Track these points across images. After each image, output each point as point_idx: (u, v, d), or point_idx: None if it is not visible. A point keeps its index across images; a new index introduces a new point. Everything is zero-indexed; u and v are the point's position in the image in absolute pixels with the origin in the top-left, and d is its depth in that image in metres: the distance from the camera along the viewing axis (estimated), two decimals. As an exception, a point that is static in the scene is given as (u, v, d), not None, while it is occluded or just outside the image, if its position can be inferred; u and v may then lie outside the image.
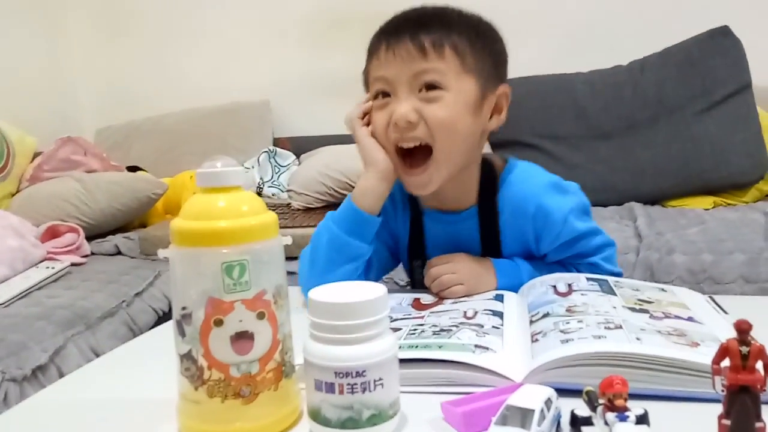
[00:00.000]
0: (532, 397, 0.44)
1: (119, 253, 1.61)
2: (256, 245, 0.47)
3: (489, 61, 0.72)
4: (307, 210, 1.82)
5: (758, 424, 0.38)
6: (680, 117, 1.79)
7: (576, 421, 0.45)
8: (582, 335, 0.52)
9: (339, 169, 1.83)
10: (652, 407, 0.44)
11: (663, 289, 0.66)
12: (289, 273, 0.52)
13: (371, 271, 0.78)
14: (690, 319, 0.57)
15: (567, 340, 0.52)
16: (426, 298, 0.70)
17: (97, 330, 1.19)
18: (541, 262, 0.77)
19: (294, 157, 2.12)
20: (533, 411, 0.42)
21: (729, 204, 1.72)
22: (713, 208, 1.69)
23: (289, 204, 1.87)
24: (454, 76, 0.69)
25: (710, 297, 0.68)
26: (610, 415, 0.42)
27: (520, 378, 0.51)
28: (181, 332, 0.47)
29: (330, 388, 0.44)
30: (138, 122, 2.36)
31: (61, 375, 1.05)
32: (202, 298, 0.46)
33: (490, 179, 0.76)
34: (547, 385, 0.46)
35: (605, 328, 0.53)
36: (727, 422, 0.39)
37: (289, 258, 0.53)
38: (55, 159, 1.89)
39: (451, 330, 0.57)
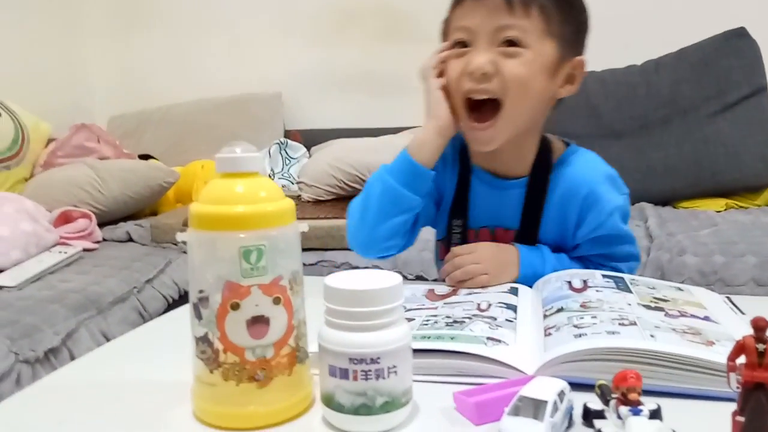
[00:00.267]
0: (546, 388, 0.44)
1: (130, 240, 1.63)
2: (272, 231, 0.47)
3: (572, 29, 0.73)
4: (317, 202, 1.83)
5: (773, 422, 0.38)
6: (694, 118, 1.78)
7: (588, 414, 0.45)
8: (596, 330, 0.52)
9: (349, 162, 1.83)
10: (665, 404, 0.44)
11: (680, 288, 0.66)
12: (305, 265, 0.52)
13: (417, 225, 0.79)
14: (706, 318, 0.57)
15: (580, 335, 0.52)
16: (440, 288, 0.70)
17: (108, 315, 1.20)
18: (566, 257, 0.77)
19: (305, 149, 2.12)
20: (546, 402, 0.43)
21: (741, 206, 1.71)
22: (725, 210, 1.68)
23: (299, 196, 1.88)
24: (537, 36, 0.70)
25: (727, 297, 0.67)
26: (624, 409, 0.42)
27: (532, 371, 0.51)
28: (198, 315, 0.48)
29: (344, 374, 0.45)
30: (150, 111, 2.37)
31: (73, 358, 1.06)
32: (220, 281, 0.46)
33: (545, 155, 0.77)
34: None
35: (619, 324, 0.53)
36: (741, 419, 0.39)
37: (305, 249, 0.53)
38: (69, 145, 1.90)
39: (464, 322, 0.57)
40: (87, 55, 2.53)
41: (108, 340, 1.12)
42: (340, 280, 0.47)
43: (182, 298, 1.41)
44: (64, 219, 1.57)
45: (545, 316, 0.59)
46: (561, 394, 0.44)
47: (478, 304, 0.62)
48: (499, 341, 0.54)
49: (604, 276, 0.67)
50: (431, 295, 0.68)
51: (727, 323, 0.57)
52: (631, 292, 0.62)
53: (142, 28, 2.50)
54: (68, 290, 1.22)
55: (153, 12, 2.48)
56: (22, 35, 2.22)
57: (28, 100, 2.01)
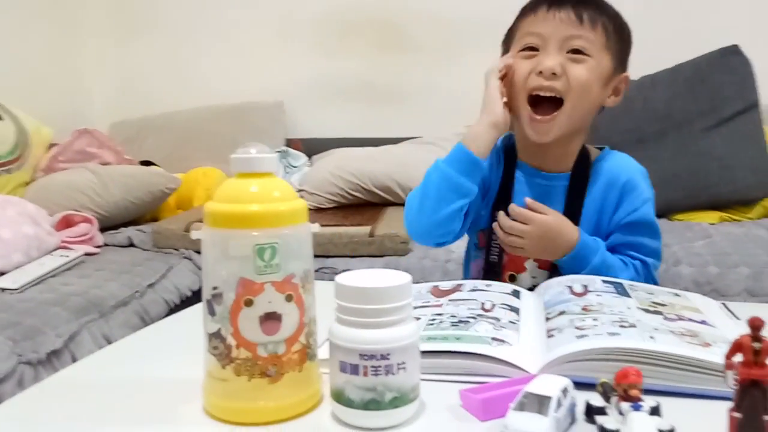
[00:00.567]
0: (550, 385, 0.46)
1: (132, 245, 1.63)
2: (285, 230, 0.49)
3: (623, 47, 0.85)
4: (319, 210, 1.84)
5: (767, 418, 0.40)
6: (688, 132, 1.81)
7: (591, 411, 0.46)
8: (597, 332, 0.54)
9: (350, 171, 1.85)
10: (664, 402, 0.45)
11: (677, 294, 0.68)
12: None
13: (468, 215, 0.85)
14: (703, 322, 0.59)
15: (582, 336, 0.53)
16: (444, 284, 0.72)
17: (110, 318, 1.21)
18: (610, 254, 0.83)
19: (306, 158, 2.14)
20: (550, 398, 0.44)
21: (735, 219, 1.74)
22: (719, 222, 1.71)
23: (300, 204, 1.88)
24: (599, 48, 0.81)
25: (723, 303, 0.69)
26: (625, 405, 0.43)
27: (535, 370, 0.52)
28: (211, 311, 0.49)
29: (354, 369, 0.46)
30: (152, 118, 2.38)
31: (75, 360, 1.07)
32: (234, 278, 0.48)
33: (586, 154, 0.86)
34: (562, 377, 0.48)
35: (620, 326, 0.55)
36: (737, 415, 0.40)
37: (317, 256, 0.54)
38: (71, 150, 1.91)
39: (468, 322, 0.58)
40: (89, 60, 2.54)
41: (110, 343, 1.12)
42: (351, 278, 0.49)
43: (184, 303, 1.41)
44: (66, 223, 1.57)
45: (547, 319, 0.61)
46: (564, 391, 0.46)
47: (482, 304, 0.63)
48: (504, 341, 0.55)
49: (604, 281, 0.68)
50: (436, 291, 0.69)
51: (723, 327, 0.58)
52: (630, 296, 0.64)
53: (144, 34, 2.52)
54: (70, 293, 1.23)
55: (156, 19, 2.50)
56: (24, 40, 2.24)
57: (29, 104, 2.02)
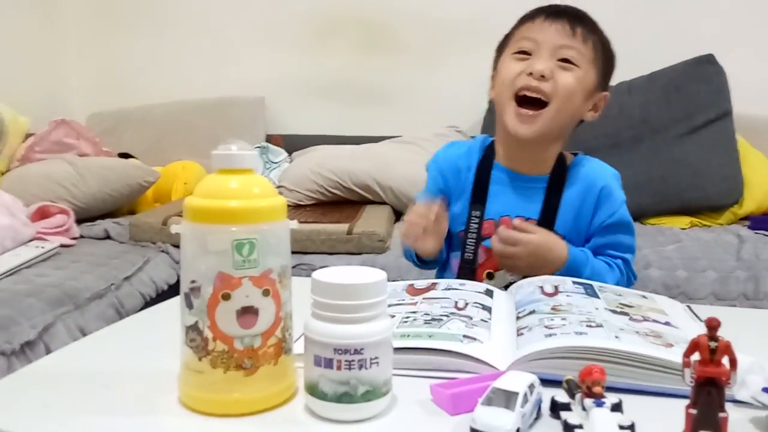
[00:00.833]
0: (517, 381, 0.47)
1: (108, 237, 1.62)
2: (264, 226, 0.50)
3: (607, 69, 0.90)
4: (297, 207, 1.84)
5: (722, 414, 0.42)
6: (662, 139, 1.85)
7: (555, 407, 0.48)
8: (565, 331, 0.56)
9: (330, 168, 1.85)
10: (626, 399, 0.47)
11: (644, 296, 0.70)
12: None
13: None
14: (667, 323, 0.61)
15: (550, 335, 0.55)
16: (419, 283, 0.73)
17: (85, 310, 1.20)
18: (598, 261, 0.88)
19: (286, 154, 2.14)
20: (517, 393, 0.46)
21: (705, 225, 1.78)
22: (690, 227, 1.75)
23: (279, 200, 1.89)
24: (587, 61, 0.86)
25: (688, 306, 0.72)
26: (588, 401, 0.45)
27: (504, 367, 0.54)
28: (189, 304, 0.50)
29: (329, 363, 0.47)
30: (130, 110, 2.36)
31: (49, 352, 1.06)
32: (212, 272, 0.48)
33: (562, 159, 0.91)
34: (530, 374, 0.49)
35: (587, 326, 0.57)
36: (693, 411, 0.42)
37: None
38: (48, 141, 1.88)
39: (441, 320, 0.60)
40: (68, 50, 2.50)
41: (85, 335, 1.12)
42: (327, 274, 0.50)
43: (160, 297, 1.41)
44: (42, 214, 1.55)
45: (518, 318, 0.62)
46: (531, 387, 0.47)
47: (456, 302, 0.65)
48: (475, 339, 0.57)
49: (574, 282, 0.70)
50: (411, 290, 0.71)
51: (686, 328, 0.61)
52: (598, 297, 0.66)
53: (125, 25, 2.49)
54: (45, 285, 1.22)
55: (138, 10, 2.47)
56: (1, 28, 2.20)
57: (6, 93, 1.98)
